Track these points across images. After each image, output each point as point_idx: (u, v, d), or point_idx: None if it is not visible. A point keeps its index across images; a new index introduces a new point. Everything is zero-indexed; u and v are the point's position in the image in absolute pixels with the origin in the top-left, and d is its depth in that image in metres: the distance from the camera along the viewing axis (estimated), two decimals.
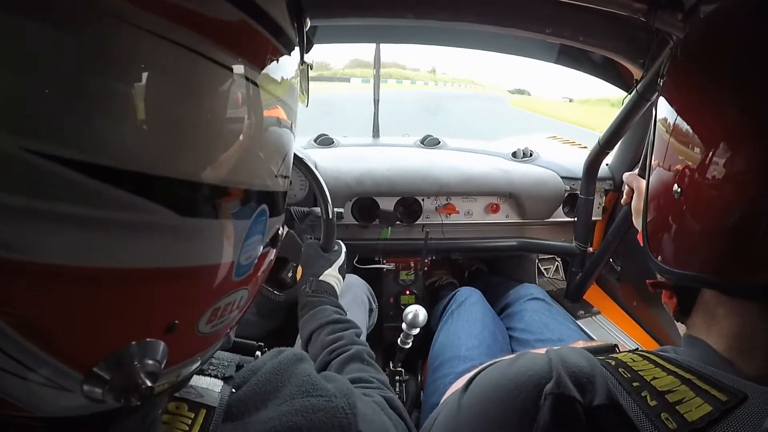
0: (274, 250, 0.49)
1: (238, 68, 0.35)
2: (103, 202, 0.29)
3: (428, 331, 1.54)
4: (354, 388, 0.62)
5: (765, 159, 0.44)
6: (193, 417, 0.46)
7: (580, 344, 0.99)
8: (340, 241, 1.24)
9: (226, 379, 0.52)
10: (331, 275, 1.13)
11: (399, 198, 1.74)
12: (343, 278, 1.20)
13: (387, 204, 1.73)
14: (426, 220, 1.78)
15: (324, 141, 1.94)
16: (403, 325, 1.34)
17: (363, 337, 1.05)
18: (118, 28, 0.28)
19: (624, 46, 1.30)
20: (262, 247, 0.44)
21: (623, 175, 1.13)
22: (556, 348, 0.59)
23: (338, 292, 1.13)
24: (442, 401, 0.83)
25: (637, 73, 1.37)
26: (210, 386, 0.50)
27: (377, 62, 2.11)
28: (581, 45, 1.33)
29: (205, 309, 0.40)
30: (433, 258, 1.86)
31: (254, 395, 0.52)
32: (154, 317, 0.35)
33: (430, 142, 2.00)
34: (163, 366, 0.37)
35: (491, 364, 0.63)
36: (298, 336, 1.38)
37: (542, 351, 0.59)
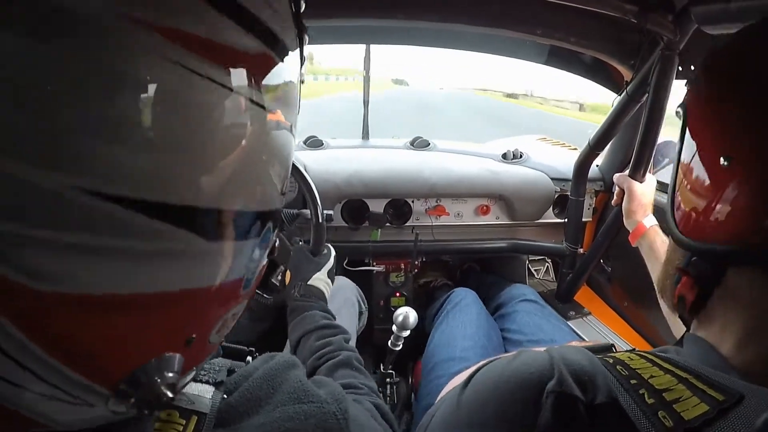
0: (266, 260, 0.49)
1: (251, 94, 0.36)
2: (137, 233, 0.30)
3: (419, 333, 1.53)
4: (346, 392, 0.61)
5: None
6: (184, 424, 0.46)
7: (574, 345, 0.99)
8: (329, 245, 1.23)
9: (217, 385, 0.52)
10: (319, 279, 1.13)
11: (389, 200, 1.73)
12: (333, 282, 1.19)
13: (377, 206, 1.72)
14: (416, 222, 1.77)
15: (313, 143, 1.93)
16: (394, 327, 1.34)
17: (353, 341, 1.04)
18: (149, 62, 0.29)
19: (614, 47, 1.31)
20: (264, 260, 0.46)
21: (614, 177, 1.13)
22: (556, 346, 0.58)
23: (327, 296, 1.13)
24: (438, 398, 0.83)
25: (627, 74, 1.37)
26: (201, 392, 0.50)
27: (367, 64, 2.10)
28: (572, 46, 1.33)
29: (217, 321, 0.42)
30: (423, 260, 1.86)
31: (245, 401, 0.51)
32: (177, 333, 0.37)
33: (419, 144, 1.99)
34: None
35: (491, 361, 0.63)
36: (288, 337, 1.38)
37: (541, 349, 0.58)
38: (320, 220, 1.21)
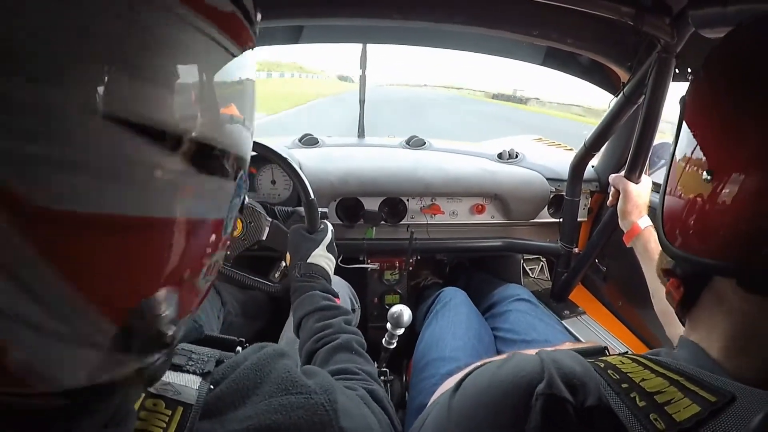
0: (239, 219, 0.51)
1: (230, 46, 0.39)
2: (134, 155, 0.31)
3: (413, 331, 1.54)
4: (336, 381, 0.61)
5: None
6: (170, 414, 0.46)
7: (567, 346, 0.99)
8: (326, 221, 1.23)
9: (204, 375, 0.52)
10: (319, 256, 1.12)
11: (384, 198, 1.73)
12: (336, 257, 1.19)
13: (372, 204, 1.72)
14: (411, 221, 1.77)
15: (309, 141, 1.92)
16: (388, 325, 1.34)
17: (355, 322, 1.03)
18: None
19: (611, 49, 1.31)
20: (237, 211, 0.48)
21: (609, 177, 1.13)
22: (548, 349, 0.59)
23: (330, 271, 1.12)
24: (430, 402, 0.83)
25: (624, 76, 1.37)
26: (188, 383, 0.50)
27: (363, 63, 2.09)
28: (569, 47, 1.33)
29: (206, 262, 0.43)
30: (418, 258, 1.86)
31: (232, 392, 0.51)
32: (174, 266, 0.38)
33: (415, 143, 1.99)
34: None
35: (482, 365, 0.63)
36: (281, 334, 1.38)
37: (532, 352, 0.58)
38: (310, 197, 1.21)
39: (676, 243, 0.57)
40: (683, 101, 0.60)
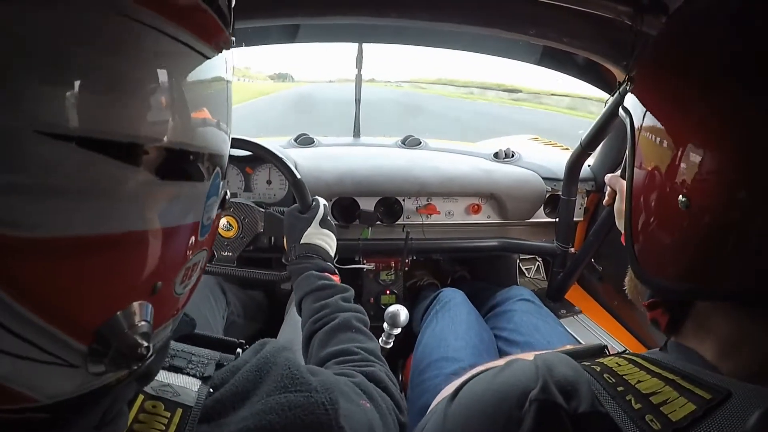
0: (221, 213, 0.50)
1: (196, 44, 0.37)
2: (95, 173, 0.30)
3: (409, 331, 1.53)
4: (338, 378, 0.61)
5: (745, 156, 0.44)
6: (169, 417, 0.45)
7: (568, 348, 0.99)
8: (317, 197, 1.22)
9: (204, 379, 0.51)
10: (312, 234, 1.12)
11: (379, 198, 1.73)
12: (334, 231, 1.17)
13: (367, 204, 1.71)
14: (407, 221, 1.77)
15: (304, 140, 1.92)
16: (385, 325, 1.34)
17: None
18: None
19: (607, 48, 1.30)
20: (216, 209, 0.46)
21: (605, 177, 1.13)
22: (543, 354, 0.59)
23: (327, 247, 1.11)
24: (430, 409, 0.83)
25: (619, 75, 1.37)
26: (188, 385, 0.49)
27: (359, 62, 2.09)
28: (564, 47, 1.32)
29: (180, 269, 0.41)
30: (414, 258, 1.86)
31: (232, 395, 0.50)
32: (141, 279, 0.37)
33: (411, 143, 1.99)
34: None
35: (479, 373, 0.63)
36: (278, 336, 1.37)
37: (530, 356, 0.58)
38: (297, 177, 1.21)
39: (652, 271, 0.57)
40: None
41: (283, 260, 1.22)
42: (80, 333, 0.34)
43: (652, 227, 0.56)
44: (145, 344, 0.37)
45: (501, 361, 0.85)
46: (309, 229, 1.12)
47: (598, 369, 0.53)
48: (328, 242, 1.13)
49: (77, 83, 0.29)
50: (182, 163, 0.37)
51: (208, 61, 0.39)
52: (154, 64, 0.34)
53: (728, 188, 0.45)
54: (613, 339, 1.58)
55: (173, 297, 0.42)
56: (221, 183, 0.46)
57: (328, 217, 1.18)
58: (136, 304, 0.37)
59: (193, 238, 0.42)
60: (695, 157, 0.47)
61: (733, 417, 0.42)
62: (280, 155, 1.25)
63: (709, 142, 0.46)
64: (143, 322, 0.37)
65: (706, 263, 0.49)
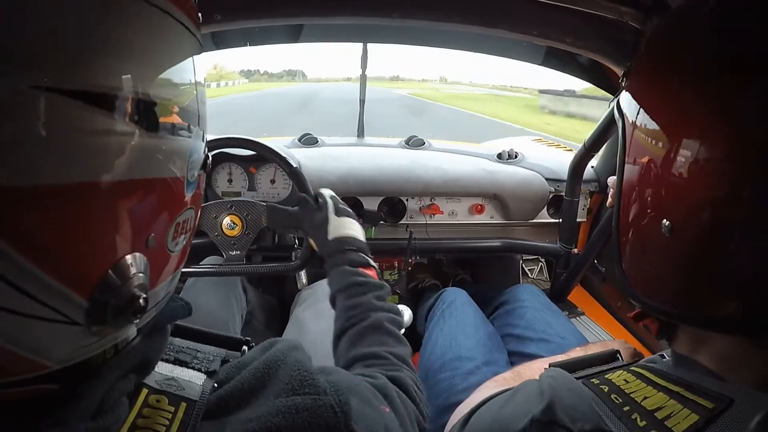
0: (204, 175, 0.53)
1: (175, 12, 0.42)
2: (80, 122, 0.33)
3: (412, 331, 1.53)
4: (355, 377, 0.61)
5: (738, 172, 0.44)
6: (173, 411, 0.45)
7: (578, 351, 0.99)
8: (320, 190, 1.21)
9: (209, 374, 0.51)
10: (336, 227, 1.10)
11: (383, 198, 1.73)
12: (351, 216, 1.15)
13: (371, 204, 1.72)
14: (410, 221, 1.77)
15: (308, 140, 1.92)
16: None
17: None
18: None
19: (610, 48, 1.31)
20: (199, 169, 0.49)
21: (608, 179, 1.13)
22: (550, 373, 0.60)
23: (356, 233, 1.10)
24: (448, 427, 0.84)
25: None
26: (192, 379, 0.49)
27: (364, 62, 2.09)
28: (567, 47, 1.33)
29: (170, 223, 0.44)
30: (417, 258, 1.86)
31: (237, 393, 0.50)
32: (134, 231, 0.39)
33: (414, 143, 1.99)
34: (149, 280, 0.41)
35: (491, 397, 0.65)
36: (284, 333, 1.38)
37: (545, 363, 0.59)
38: (293, 167, 1.23)
39: (641, 290, 0.58)
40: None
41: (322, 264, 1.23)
42: (80, 285, 0.35)
43: (637, 248, 0.57)
44: (143, 295, 0.40)
45: (516, 372, 0.86)
46: (330, 223, 1.10)
47: (606, 389, 0.54)
48: (355, 228, 1.11)
49: (65, 39, 0.32)
50: (162, 116, 0.40)
51: (181, 25, 0.42)
52: (135, 24, 0.37)
53: (715, 208, 0.45)
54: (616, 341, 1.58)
55: (167, 254, 0.45)
56: (203, 146, 0.50)
57: (341, 205, 1.16)
58: (131, 256, 0.39)
59: (179, 193, 0.45)
60: (686, 165, 0.46)
61: (735, 424, 0.42)
62: (268, 145, 1.27)
63: (703, 142, 0.46)
64: (140, 274, 0.40)
65: (692, 291, 0.50)
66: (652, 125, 0.52)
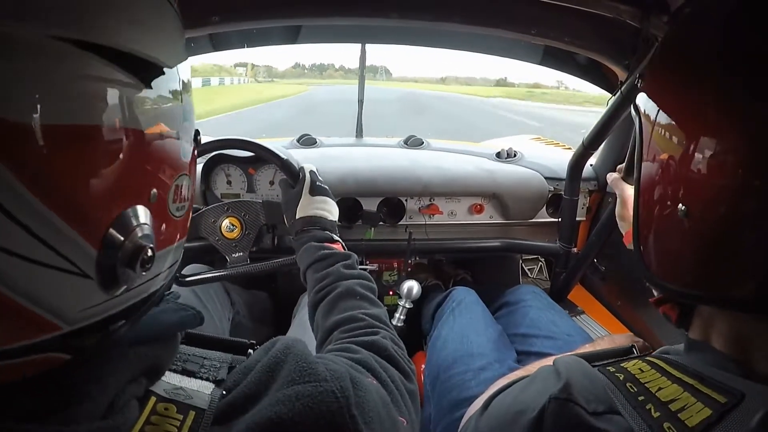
0: (195, 150, 0.55)
1: None
2: (89, 69, 0.36)
3: (414, 329, 1.53)
4: (344, 365, 0.60)
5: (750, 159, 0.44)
6: (181, 419, 0.45)
7: (587, 348, 1.00)
8: (303, 165, 1.22)
9: (217, 383, 0.51)
10: (305, 206, 1.12)
11: (382, 198, 1.72)
12: (324, 194, 1.16)
13: (370, 204, 1.71)
14: (409, 221, 1.77)
15: (307, 141, 1.92)
16: (400, 301, 1.48)
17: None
18: None
19: (609, 47, 1.30)
20: (191, 139, 0.52)
21: (607, 178, 1.13)
22: (564, 358, 0.62)
23: (326, 213, 1.11)
24: (463, 421, 0.84)
25: (621, 74, 1.37)
26: (201, 388, 0.49)
27: (362, 63, 2.09)
28: (566, 46, 1.33)
29: (171, 182, 0.46)
30: (417, 259, 1.85)
31: (244, 397, 0.50)
32: (138, 181, 0.41)
33: (413, 143, 1.99)
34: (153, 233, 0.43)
35: (508, 385, 0.66)
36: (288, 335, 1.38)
37: (549, 360, 0.60)
38: (282, 158, 1.24)
39: (661, 275, 0.58)
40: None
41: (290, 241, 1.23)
42: (90, 232, 0.37)
43: (656, 233, 0.57)
44: (150, 245, 0.42)
45: (528, 370, 0.87)
46: (301, 200, 1.12)
47: (622, 377, 0.55)
48: (325, 208, 1.12)
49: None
50: (159, 75, 0.43)
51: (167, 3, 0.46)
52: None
53: (730, 195, 0.46)
54: None
55: (169, 216, 0.47)
56: (193, 118, 0.53)
57: (318, 183, 1.17)
58: (136, 208, 0.41)
59: (175, 151, 0.47)
60: (701, 158, 0.47)
61: (744, 420, 0.43)
62: (258, 142, 1.28)
63: (716, 138, 0.47)
64: (145, 225, 0.42)
65: (709, 271, 0.50)
66: (670, 123, 0.53)
